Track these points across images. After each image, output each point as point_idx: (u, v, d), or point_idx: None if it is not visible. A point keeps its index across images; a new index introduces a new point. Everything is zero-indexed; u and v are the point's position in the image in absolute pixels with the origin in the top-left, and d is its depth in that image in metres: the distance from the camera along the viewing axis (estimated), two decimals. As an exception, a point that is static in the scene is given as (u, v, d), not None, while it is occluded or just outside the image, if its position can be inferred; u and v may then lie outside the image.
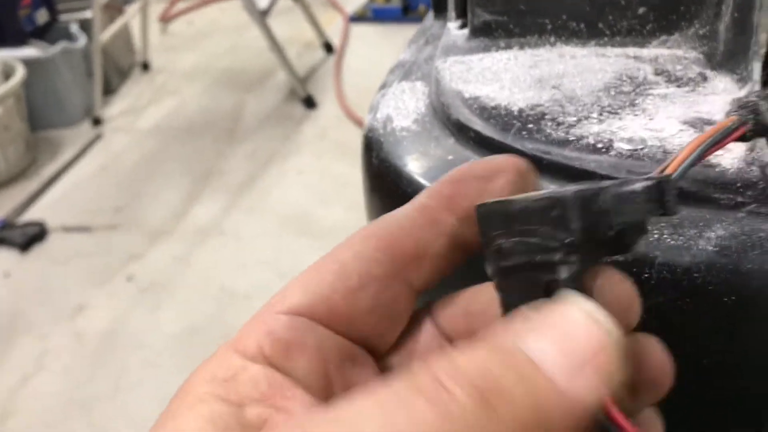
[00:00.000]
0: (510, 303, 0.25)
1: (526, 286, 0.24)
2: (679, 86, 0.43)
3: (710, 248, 0.34)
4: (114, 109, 2.68)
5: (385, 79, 0.57)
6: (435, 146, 0.45)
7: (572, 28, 0.50)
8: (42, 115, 2.47)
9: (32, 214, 2.18)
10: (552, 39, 0.51)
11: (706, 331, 0.35)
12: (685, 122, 0.39)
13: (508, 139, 0.41)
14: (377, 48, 2.80)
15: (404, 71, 0.56)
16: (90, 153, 2.46)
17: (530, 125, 0.41)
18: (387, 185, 0.46)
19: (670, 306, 0.34)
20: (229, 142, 2.43)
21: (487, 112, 0.43)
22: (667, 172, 0.26)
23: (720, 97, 0.41)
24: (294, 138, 2.39)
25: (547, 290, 0.23)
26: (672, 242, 0.34)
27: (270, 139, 2.41)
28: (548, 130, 0.41)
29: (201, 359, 0.26)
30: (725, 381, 0.36)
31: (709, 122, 0.39)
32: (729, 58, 0.44)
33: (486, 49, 0.52)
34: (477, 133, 0.43)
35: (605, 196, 0.24)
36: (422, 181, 0.43)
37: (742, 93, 0.41)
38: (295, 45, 2.84)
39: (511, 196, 0.26)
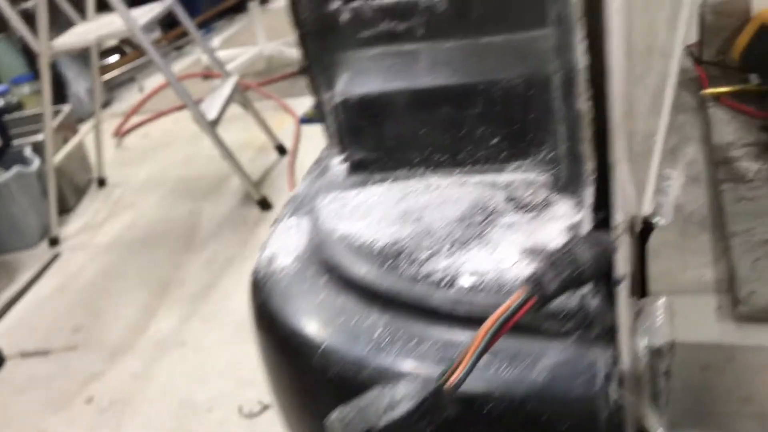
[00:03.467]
0: None
1: None
2: (525, 213, 0.47)
3: (542, 378, 0.36)
4: (71, 228, 2.70)
5: (280, 213, 0.60)
6: (309, 287, 0.48)
7: (437, 160, 0.54)
8: (-2, 240, 2.48)
9: (-10, 342, 2.16)
10: (421, 170, 0.55)
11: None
12: (523, 251, 0.43)
13: (367, 278, 0.44)
14: (328, 146, 2.86)
15: (295, 206, 0.60)
16: (48, 273, 2.46)
17: (389, 262, 0.45)
18: (267, 326, 0.48)
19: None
20: (186, 251, 2.45)
21: (353, 252, 0.47)
22: (451, 381, 0.29)
23: (558, 223, 0.45)
24: (251, 241, 2.42)
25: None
26: (507, 374, 0.37)
27: (227, 245, 2.43)
28: (403, 267, 0.44)
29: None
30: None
31: (542, 250, 0.42)
32: (569, 183, 0.48)
33: (363, 184, 0.56)
34: (342, 274, 0.46)
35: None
36: (293, 325, 0.45)
37: (578, 218, 0.45)
38: (248, 149, 2.90)
39: None
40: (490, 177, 0.52)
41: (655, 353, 0.44)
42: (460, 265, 0.43)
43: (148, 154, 3.17)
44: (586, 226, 0.39)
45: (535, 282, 0.34)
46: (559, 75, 0.45)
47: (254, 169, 2.69)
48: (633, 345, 0.38)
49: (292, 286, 0.48)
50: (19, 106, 3.15)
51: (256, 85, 3.23)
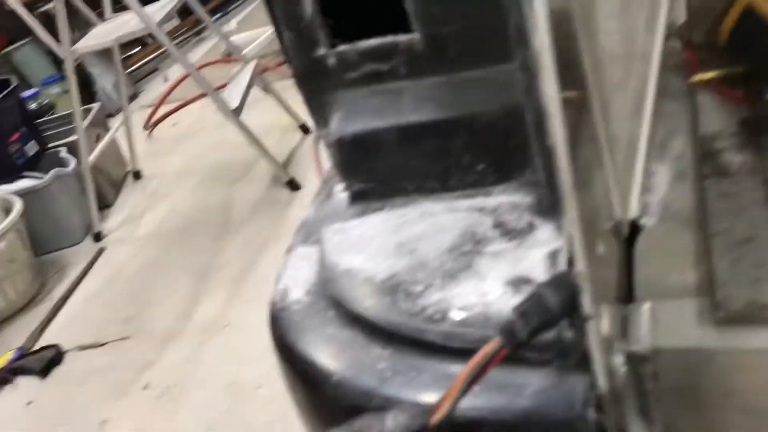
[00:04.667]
0: None
1: None
2: (510, 239, 0.51)
3: (527, 404, 0.41)
4: (113, 222, 2.80)
5: (292, 240, 0.66)
6: (319, 321, 0.53)
7: (430, 187, 0.59)
8: (45, 240, 2.59)
9: (48, 339, 2.27)
10: (415, 197, 0.59)
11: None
12: (508, 282, 0.47)
13: (369, 314, 0.49)
14: (352, 119, 2.89)
15: (306, 233, 0.65)
16: (95, 268, 2.57)
17: (387, 297, 0.50)
18: (286, 357, 0.54)
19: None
20: (223, 237, 2.53)
21: (355, 287, 0.52)
22: (433, 420, 0.35)
23: (541, 249, 0.49)
24: (283, 222, 2.48)
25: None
26: (496, 401, 0.42)
27: (261, 227, 2.50)
28: (400, 302, 0.49)
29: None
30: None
31: (526, 281, 0.47)
32: (550, 207, 0.52)
33: (363, 213, 0.60)
34: (346, 309, 0.51)
35: None
36: (307, 358, 0.51)
37: (558, 243, 0.49)
38: (273, 131, 2.95)
39: None
40: (478, 201, 0.56)
41: (640, 359, 0.48)
42: (450, 299, 0.47)
43: (179, 143, 3.24)
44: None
45: (507, 332, 0.39)
46: (529, 112, 0.48)
47: (280, 151, 2.74)
48: (610, 363, 0.42)
49: (304, 320, 0.54)
50: (50, 108, 3.24)
51: (274, 66, 3.27)
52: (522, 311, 0.40)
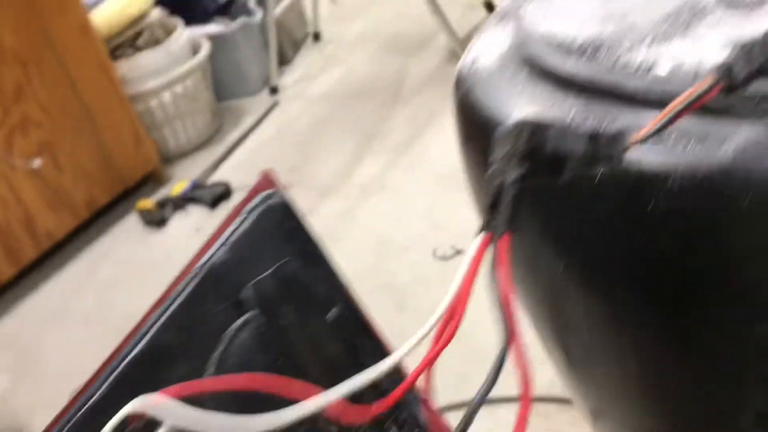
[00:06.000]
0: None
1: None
2: (735, 10, 0.46)
3: (728, 157, 0.37)
4: (288, 79, 2.89)
5: (484, 22, 0.63)
6: (509, 79, 0.50)
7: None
8: (225, 86, 2.72)
9: (219, 176, 2.42)
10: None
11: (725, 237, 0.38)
12: (727, 43, 0.42)
13: (564, 68, 0.46)
14: (539, 5, 2.77)
15: (501, 15, 0.62)
16: (268, 119, 2.68)
17: (587, 54, 0.46)
18: (468, 115, 0.52)
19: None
20: (392, 106, 2.55)
21: (554, 47, 0.49)
22: (633, 138, 0.32)
23: (772, 18, 0.43)
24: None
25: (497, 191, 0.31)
26: (691, 154, 0.38)
27: (431, 100, 2.49)
28: (601, 59, 0.45)
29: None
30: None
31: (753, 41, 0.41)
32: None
33: (568, -11, 0.56)
34: (541, 66, 0.48)
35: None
36: (491, 112, 0.49)
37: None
38: (457, 5, 2.88)
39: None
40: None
41: None
42: (659, 56, 0.43)
43: (362, 9, 3.25)
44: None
45: (725, 69, 0.34)
46: None
47: (462, 26, 2.68)
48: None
49: (492, 78, 0.51)
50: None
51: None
52: (747, 50, 0.35)
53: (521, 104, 0.47)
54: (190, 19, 2.62)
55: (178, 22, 2.57)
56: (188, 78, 2.49)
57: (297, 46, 3.05)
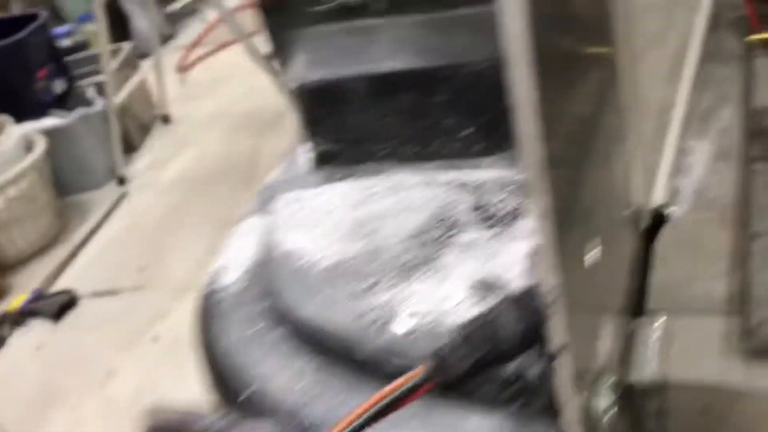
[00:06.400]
0: None
1: None
2: (489, 226, 0.40)
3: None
4: (138, 166, 2.75)
5: (246, 208, 0.55)
6: (247, 314, 0.43)
7: (405, 153, 0.47)
8: (68, 180, 2.55)
9: (64, 282, 2.24)
10: (388, 164, 0.48)
11: None
12: (473, 285, 0.36)
13: (300, 315, 0.39)
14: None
15: (263, 199, 0.55)
16: (117, 212, 2.52)
17: (327, 292, 0.39)
18: (206, 352, 0.44)
19: None
20: (247, 188, 2.45)
21: (294, 276, 0.41)
22: None
23: (522, 244, 0.38)
24: (310, 177, 2.39)
25: None
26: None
27: (286, 181, 2.42)
28: (339, 301, 0.38)
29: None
30: None
31: (495, 286, 0.36)
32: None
33: (326, 180, 0.50)
34: (279, 304, 0.41)
35: None
36: (227, 359, 0.41)
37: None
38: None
39: None
40: (461, 174, 0.45)
41: (644, 392, 0.37)
42: (401, 302, 0.37)
43: (211, 88, 3.16)
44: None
45: (439, 360, 0.28)
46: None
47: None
48: (590, 408, 0.32)
49: (232, 311, 0.43)
50: (84, 46, 3.17)
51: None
52: (467, 335, 0.29)
53: (255, 358, 0.39)
54: (22, 115, 2.43)
55: (6, 120, 2.38)
56: (23, 179, 2.30)
57: (145, 130, 2.91)
